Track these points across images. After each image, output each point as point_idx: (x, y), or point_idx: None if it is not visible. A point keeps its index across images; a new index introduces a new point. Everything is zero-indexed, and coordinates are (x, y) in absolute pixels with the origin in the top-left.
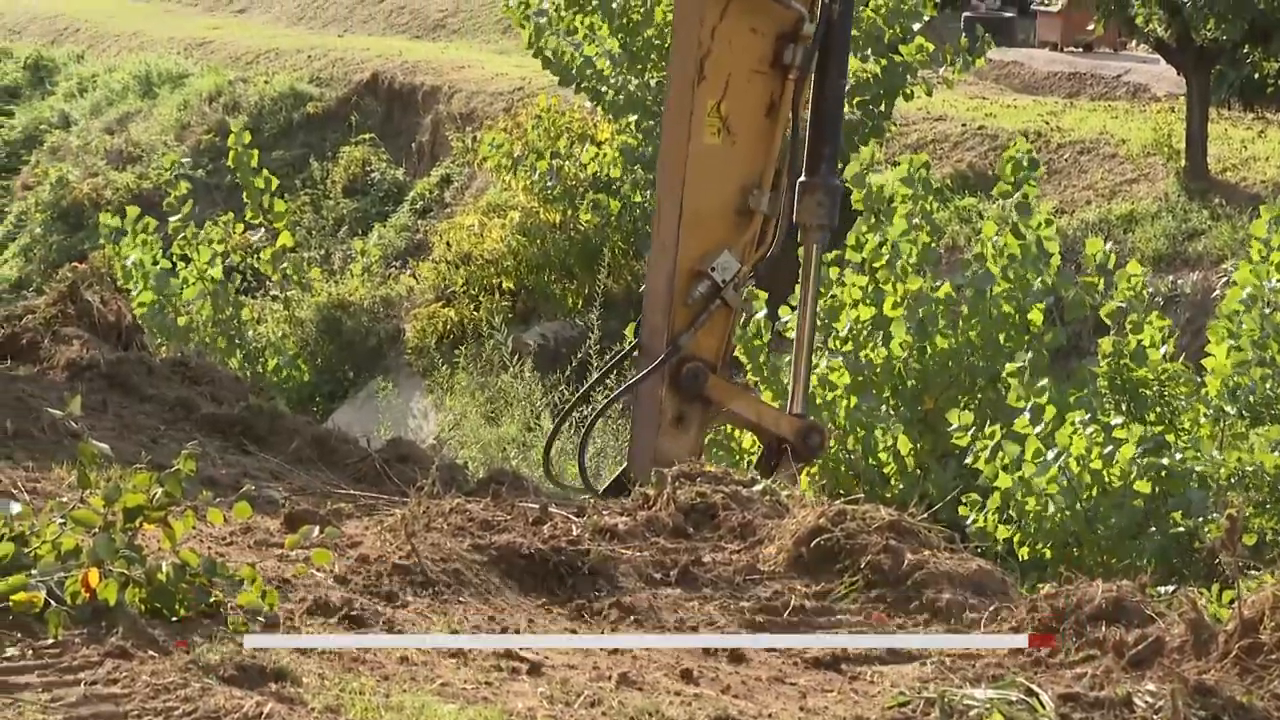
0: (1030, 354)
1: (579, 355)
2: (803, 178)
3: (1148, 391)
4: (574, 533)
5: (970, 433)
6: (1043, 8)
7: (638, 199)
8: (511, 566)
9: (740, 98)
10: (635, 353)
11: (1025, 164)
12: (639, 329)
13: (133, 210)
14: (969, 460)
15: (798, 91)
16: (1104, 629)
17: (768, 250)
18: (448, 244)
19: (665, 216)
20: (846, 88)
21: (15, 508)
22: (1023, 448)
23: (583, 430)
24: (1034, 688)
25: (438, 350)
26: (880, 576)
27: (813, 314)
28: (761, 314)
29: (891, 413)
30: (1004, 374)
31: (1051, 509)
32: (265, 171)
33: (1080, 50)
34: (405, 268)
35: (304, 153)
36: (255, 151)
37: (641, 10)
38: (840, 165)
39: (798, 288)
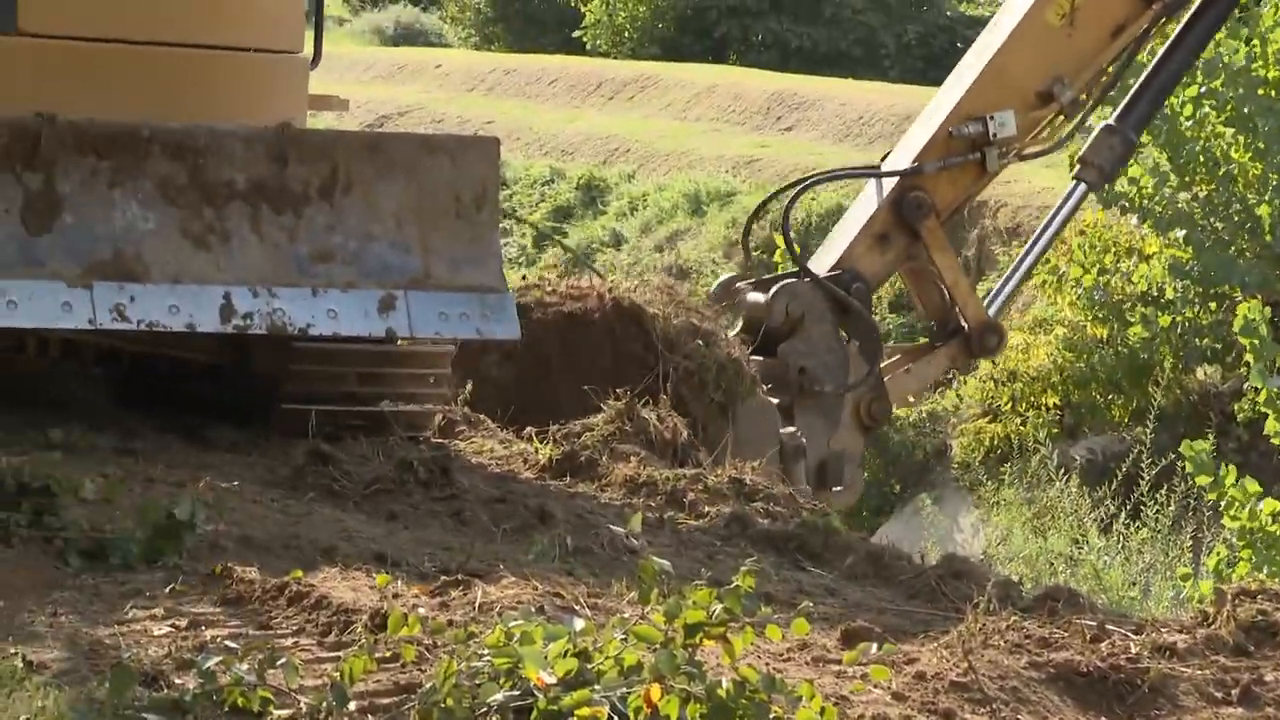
0: None
1: (1125, 469)
2: (1110, 121)
3: None
4: (1132, 650)
5: None
6: None
7: (1188, 313)
8: (1069, 684)
9: (1099, 2)
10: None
11: None
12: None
13: None
14: None
15: (1149, 29)
16: None
17: (1041, 147)
18: (994, 360)
19: (973, 64)
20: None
21: (578, 624)
22: None
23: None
24: None
25: (983, 465)
26: None
27: (1049, 241)
28: None
29: None
30: None
31: None
32: None
33: None
34: (951, 383)
35: None
36: None
37: (1189, 124)
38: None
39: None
